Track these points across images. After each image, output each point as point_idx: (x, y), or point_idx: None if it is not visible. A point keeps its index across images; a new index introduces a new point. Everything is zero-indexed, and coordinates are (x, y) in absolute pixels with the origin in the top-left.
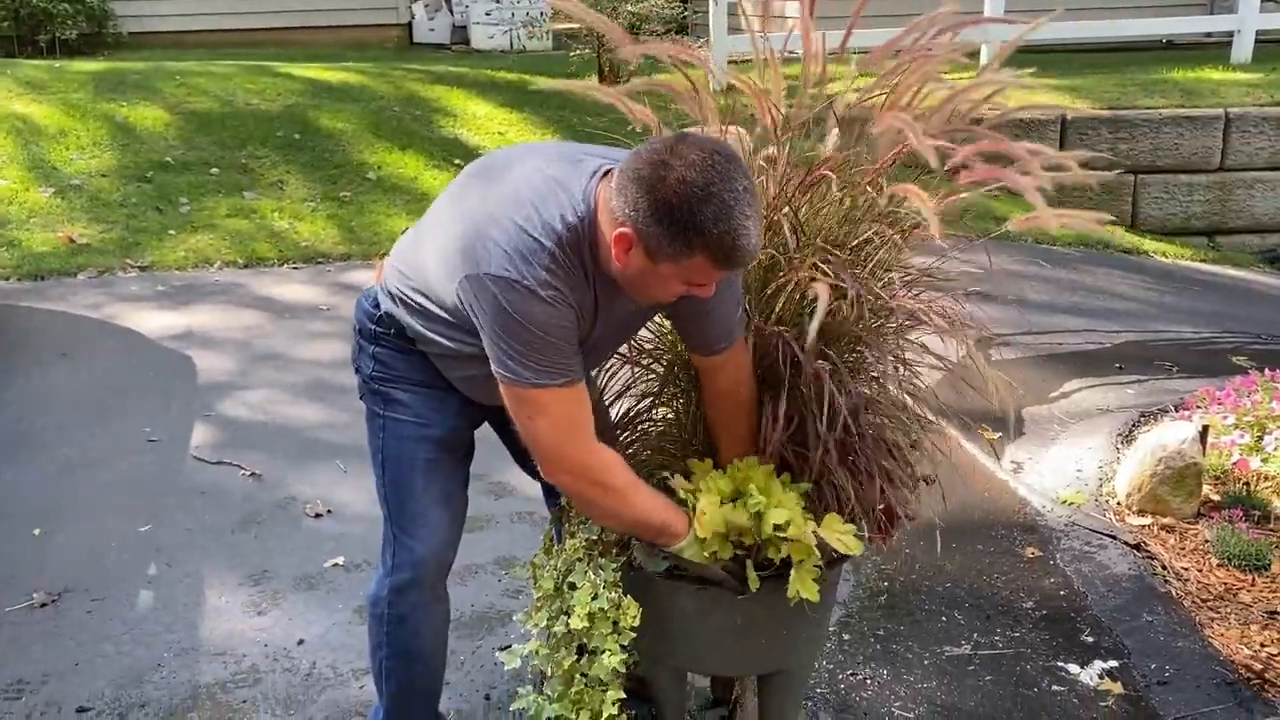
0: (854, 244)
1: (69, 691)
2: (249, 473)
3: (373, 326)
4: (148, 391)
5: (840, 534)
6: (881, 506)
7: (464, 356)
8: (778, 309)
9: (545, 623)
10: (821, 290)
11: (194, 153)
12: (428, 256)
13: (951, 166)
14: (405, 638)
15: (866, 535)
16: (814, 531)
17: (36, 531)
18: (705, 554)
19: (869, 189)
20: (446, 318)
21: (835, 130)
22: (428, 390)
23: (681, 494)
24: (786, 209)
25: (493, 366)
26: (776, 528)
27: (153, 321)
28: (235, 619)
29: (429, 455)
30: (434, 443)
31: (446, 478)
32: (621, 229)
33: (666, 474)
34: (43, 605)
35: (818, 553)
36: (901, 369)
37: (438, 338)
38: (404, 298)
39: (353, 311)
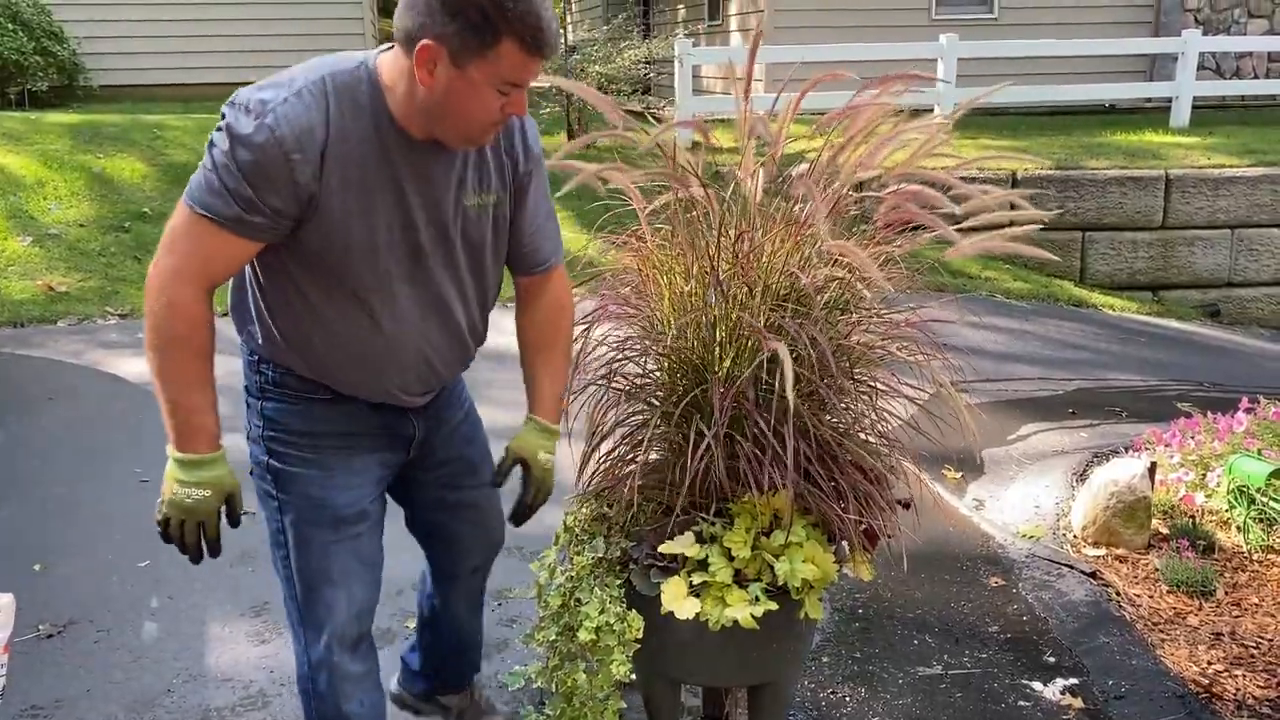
0: (800, 295)
1: (82, 716)
2: (241, 510)
3: (255, 375)
4: (136, 434)
5: (862, 565)
6: (863, 527)
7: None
8: (729, 362)
9: (553, 638)
10: (782, 351)
11: (171, 203)
12: None
13: (882, 220)
14: (331, 711)
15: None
16: (839, 566)
17: (37, 567)
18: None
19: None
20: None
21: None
22: (326, 454)
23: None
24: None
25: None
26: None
27: (136, 367)
28: (240, 647)
29: (329, 536)
30: (337, 521)
31: (351, 553)
32: (423, 42)
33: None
34: (49, 636)
35: (834, 573)
36: (871, 401)
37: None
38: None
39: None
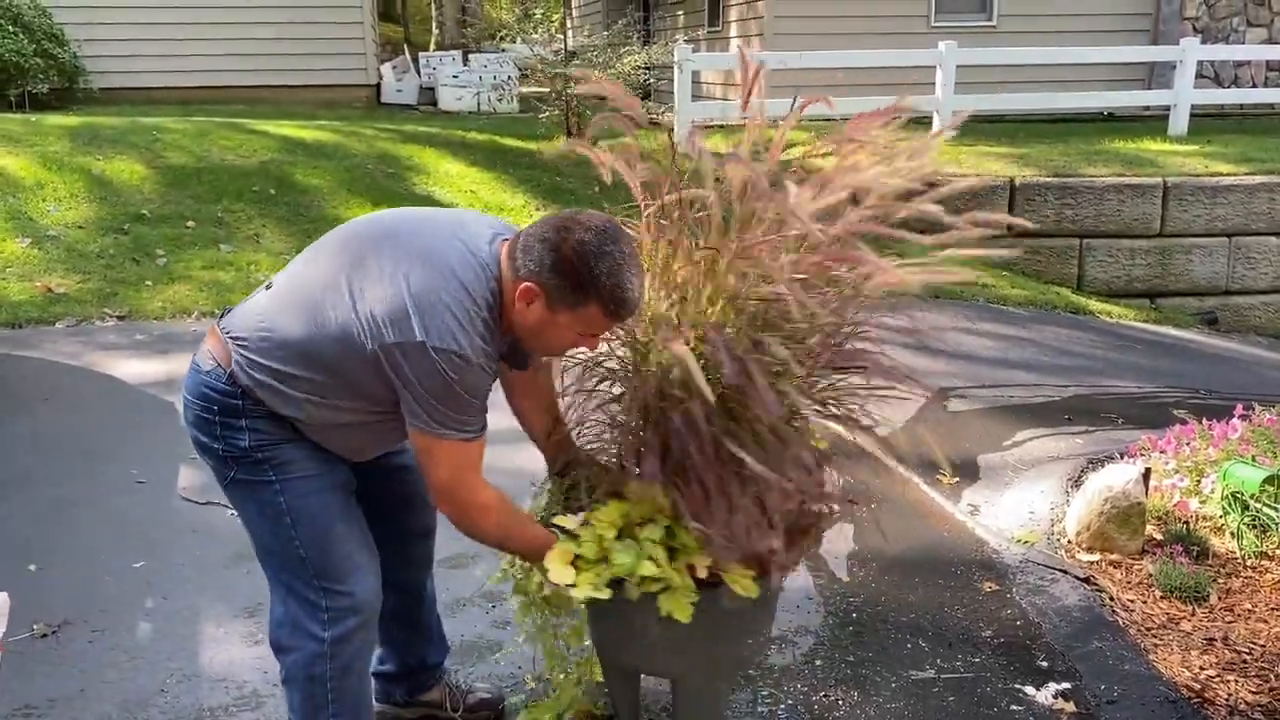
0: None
1: (76, 716)
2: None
3: (235, 402)
4: (132, 435)
5: (740, 580)
6: (758, 551)
7: (340, 409)
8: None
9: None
10: (677, 349)
11: (170, 206)
12: (300, 319)
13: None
14: (352, 685)
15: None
16: (715, 573)
17: (32, 567)
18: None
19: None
20: (326, 380)
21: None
22: (312, 443)
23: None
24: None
25: (411, 419)
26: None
27: (133, 369)
28: (234, 648)
29: (340, 500)
30: (340, 488)
31: (358, 518)
32: (526, 283)
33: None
34: (44, 636)
35: (690, 584)
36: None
37: (313, 395)
38: (262, 370)
39: (193, 396)
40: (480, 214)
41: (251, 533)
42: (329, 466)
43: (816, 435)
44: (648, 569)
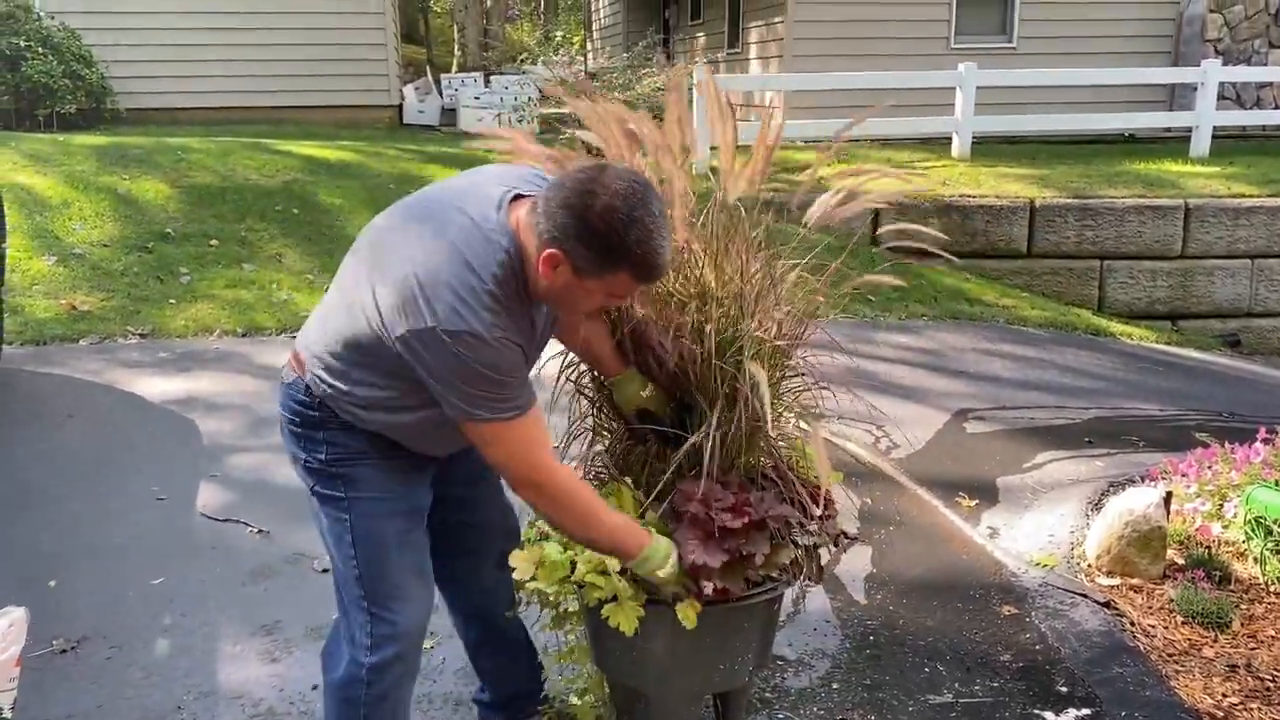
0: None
1: None
2: (256, 529)
3: (314, 414)
4: (153, 452)
5: (684, 609)
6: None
7: (407, 409)
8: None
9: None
10: None
11: (194, 225)
12: (344, 320)
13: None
14: (385, 715)
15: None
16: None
17: (52, 583)
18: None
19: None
20: (380, 379)
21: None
22: (390, 463)
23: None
24: None
25: (449, 410)
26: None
27: (155, 386)
28: (251, 665)
29: (401, 527)
30: (404, 515)
31: (418, 549)
32: (550, 250)
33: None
34: (63, 651)
35: (629, 594)
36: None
37: (377, 396)
38: (330, 375)
39: (281, 409)
40: (501, 170)
41: (325, 545)
42: (400, 491)
43: (819, 473)
44: (582, 573)
